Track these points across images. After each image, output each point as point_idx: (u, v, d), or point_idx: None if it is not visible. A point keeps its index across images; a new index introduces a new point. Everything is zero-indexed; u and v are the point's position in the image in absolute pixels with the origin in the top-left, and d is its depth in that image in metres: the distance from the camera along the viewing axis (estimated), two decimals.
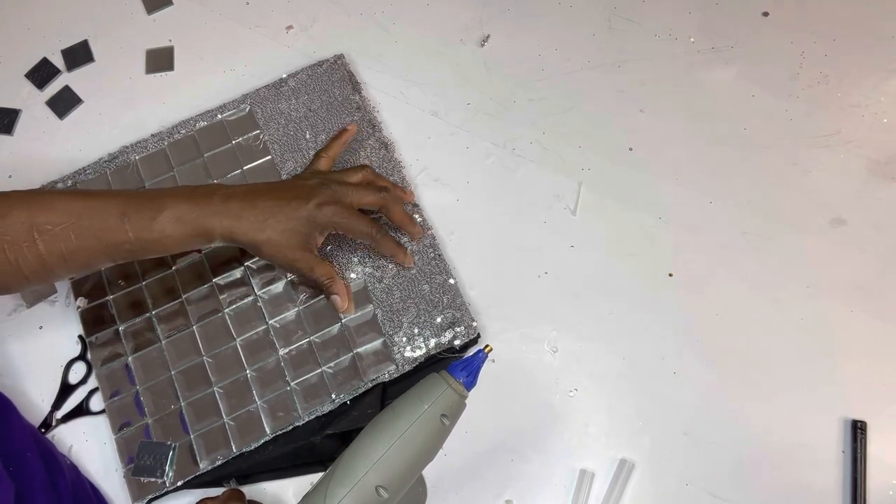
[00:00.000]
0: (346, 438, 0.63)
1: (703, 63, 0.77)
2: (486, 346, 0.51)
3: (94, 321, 0.67)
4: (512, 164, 0.74)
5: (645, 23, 0.80)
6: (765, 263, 0.69)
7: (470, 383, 0.50)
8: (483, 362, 0.50)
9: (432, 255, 0.69)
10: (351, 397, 0.64)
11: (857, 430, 0.62)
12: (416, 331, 0.66)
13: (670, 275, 0.69)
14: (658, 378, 0.65)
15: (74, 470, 0.63)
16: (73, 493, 0.60)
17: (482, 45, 0.79)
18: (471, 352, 0.65)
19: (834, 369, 0.65)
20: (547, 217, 0.71)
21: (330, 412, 0.64)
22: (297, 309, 0.67)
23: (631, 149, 0.74)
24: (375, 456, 0.47)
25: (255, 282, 0.68)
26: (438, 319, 0.66)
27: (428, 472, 0.62)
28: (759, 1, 0.80)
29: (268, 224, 0.60)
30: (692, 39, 0.79)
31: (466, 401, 0.50)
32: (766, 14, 0.79)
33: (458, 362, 0.50)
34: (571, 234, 0.71)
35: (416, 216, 0.70)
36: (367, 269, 0.68)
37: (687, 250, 0.70)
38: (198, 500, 0.58)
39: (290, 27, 0.81)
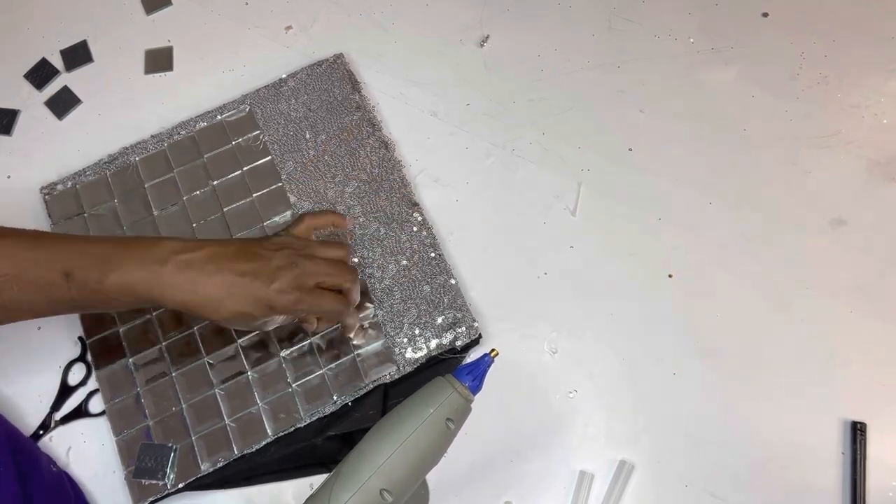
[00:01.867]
0: (347, 440, 0.63)
1: (703, 63, 0.77)
2: (493, 350, 0.51)
3: (94, 324, 0.67)
4: (512, 165, 0.74)
5: (645, 23, 0.79)
6: (764, 264, 0.69)
7: (476, 387, 0.50)
8: (489, 366, 0.50)
9: (433, 255, 0.69)
10: (352, 398, 0.64)
11: (857, 432, 0.62)
12: (417, 331, 0.66)
13: (670, 275, 0.69)
14: (658, 379, 0.65)
15: (59, 476, 0.62)
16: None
17: (482, 46, 0.79)
18: (473, 355, 0.65)
19: (834, 370, 0.65)
20: (547, 217, 0.71)
21: (331, 413, 0.64)
22: None
23: (631, 149, 0.74)
24: (380, 460, 0.47)
25: None
26: (440, 320, 0.66)
27: (429, 474, 0.62)
28: (758, 1, 0.80)
29: (224, 304, 0.55)
30: (692, 40, 0.79)
31: (471, 405, 0.50)
32: (765, 15, 0.79)
33: (463, 366, 0.50)
34: (571, 235, 0.71)
35: (416, 215, 0.70)
36: (367, 270, 0.68)
37: (687, 250, 0.70)
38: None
39: (289, 27, 0.80)
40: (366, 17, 0.81)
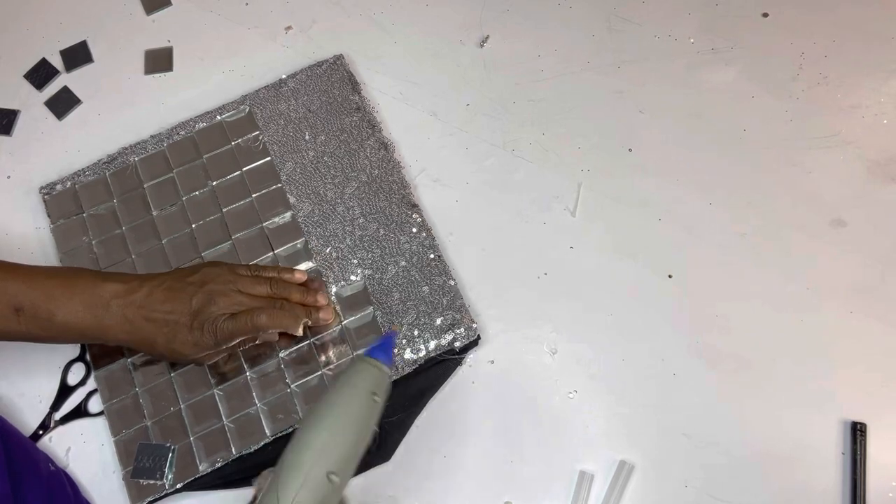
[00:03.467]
0: None
1: (703, 64, 0.77)
2: (395, 324, 0.56)
3: None
4: (512, 165, 0.74)
5: (645, 23, 0.79)
6: (764, 265, 0.69)
7: (388, 361, 0.53)
8: (394, 340, 0.55)
9: (432, 256, 0.68)
10: None
11: (857, 432, 0.62)
12: (415, 332, 0.66)
13: (670, 276, 0.69)
14: (657, 379, 0.65)
15: (57, 475, 0.62)
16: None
17: (482, 46, 0.79)
18: (472, 356, 0.65)
19: (834, 371, 0.65)
20: (547, 218, 0.71)
21: None
22: None
23: (630, 150, 0.74)
24: (319, 444, 0.48)
25: None
26: (438, 321, 0.66)
27: (428, 474, 0.62)
28: (758, 2, 0.80)
29: (156, 344, 0.59)
30: (692, 40, 0.78)
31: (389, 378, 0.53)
32: (765, 15, 0.79)
33: (373, 346, 0.54)
34: (571, 235, 0.70)
35: (416, 216, 0.70)
36: (366, 272, 0.68)
37: (686, 251, 0.69)
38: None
39: (289, 28, 0.80)
40: (365, 17, 0.81)
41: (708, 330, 0.67)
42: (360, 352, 0.63)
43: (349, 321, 0.67)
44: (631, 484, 0.62)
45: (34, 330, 0.58)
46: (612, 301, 0.68)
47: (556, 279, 0.69)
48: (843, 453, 0.62)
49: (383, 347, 0.54)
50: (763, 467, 0.62)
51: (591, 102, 0.76)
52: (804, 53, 0.77)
